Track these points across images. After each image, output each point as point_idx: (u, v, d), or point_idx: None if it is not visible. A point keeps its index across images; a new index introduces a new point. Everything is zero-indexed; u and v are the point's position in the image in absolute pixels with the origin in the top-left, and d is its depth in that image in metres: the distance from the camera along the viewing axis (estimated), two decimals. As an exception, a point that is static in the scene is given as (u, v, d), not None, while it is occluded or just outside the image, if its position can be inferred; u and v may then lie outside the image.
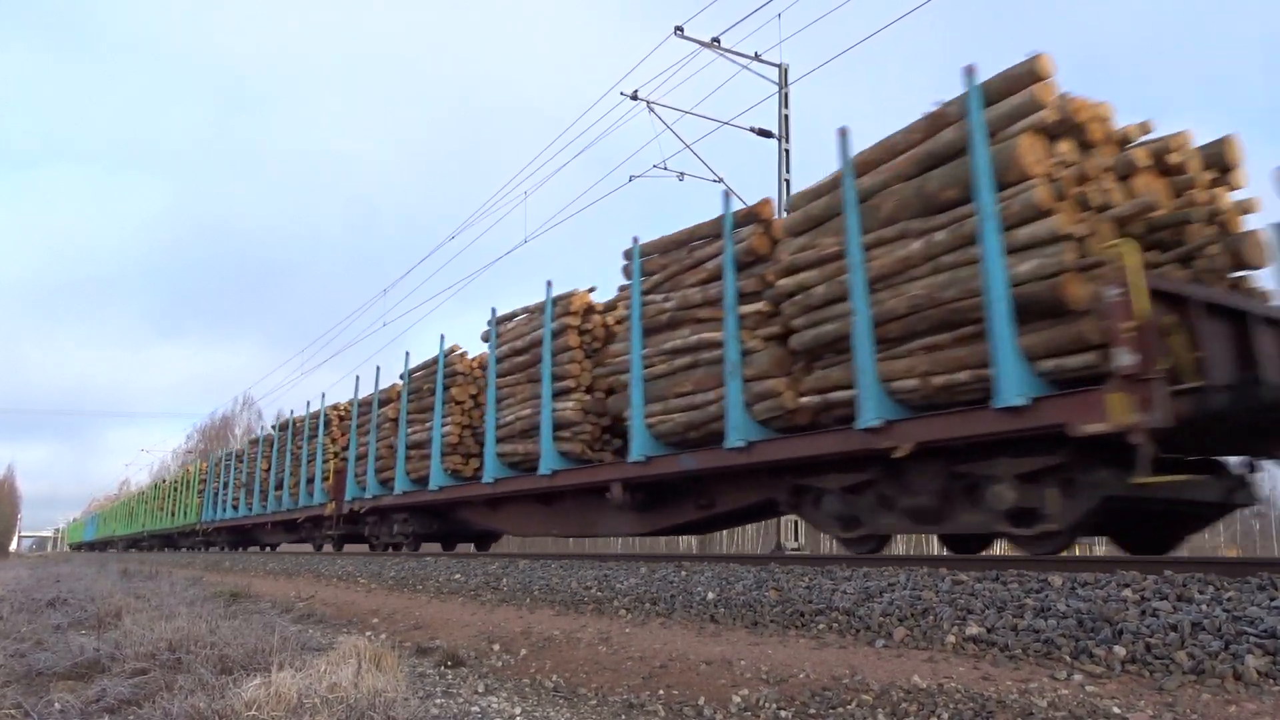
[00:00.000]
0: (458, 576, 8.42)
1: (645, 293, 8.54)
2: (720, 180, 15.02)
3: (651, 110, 14.86)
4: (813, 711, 3.23)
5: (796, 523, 13.48)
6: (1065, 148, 5.56)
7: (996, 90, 5.77)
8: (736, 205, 8.03)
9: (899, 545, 38.97)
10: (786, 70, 15.05)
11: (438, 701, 3.69)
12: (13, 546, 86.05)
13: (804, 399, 6.84)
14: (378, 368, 15.08)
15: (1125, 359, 4.84)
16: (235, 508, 23.75)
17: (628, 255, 8.88)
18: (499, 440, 10.68)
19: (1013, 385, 5.26)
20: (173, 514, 31.91)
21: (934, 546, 40.05)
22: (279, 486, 19.79)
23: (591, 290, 10.04)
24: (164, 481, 36.40)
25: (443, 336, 12.61)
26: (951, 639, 3.65)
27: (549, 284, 10.14)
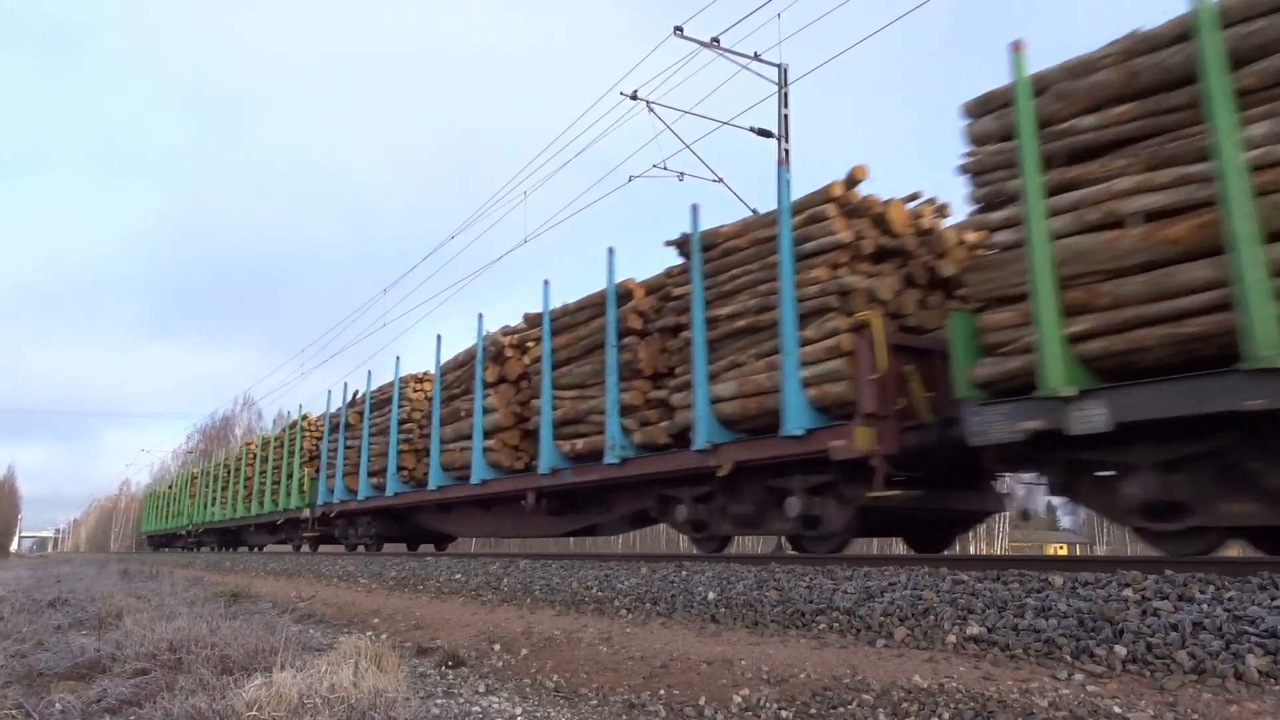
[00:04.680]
0: (458, 576, 8.42)
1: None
2: (720, 180, 15.03)
3: (651, 110, 14.85)
4: (813, 711, 3.23)
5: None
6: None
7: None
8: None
9: (899, 544, 38.91)
10: (786, 70, 15.04)
11: (438, 702, 3.69)
12: (13, 547, 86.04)
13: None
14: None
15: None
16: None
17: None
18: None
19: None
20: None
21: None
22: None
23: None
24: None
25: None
26: (952, 639, 3.65)
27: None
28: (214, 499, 28.49)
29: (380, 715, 3.11)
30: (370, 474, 14.95)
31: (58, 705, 3.61)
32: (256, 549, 26.90)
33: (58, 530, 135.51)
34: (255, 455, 23.79)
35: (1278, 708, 2.60)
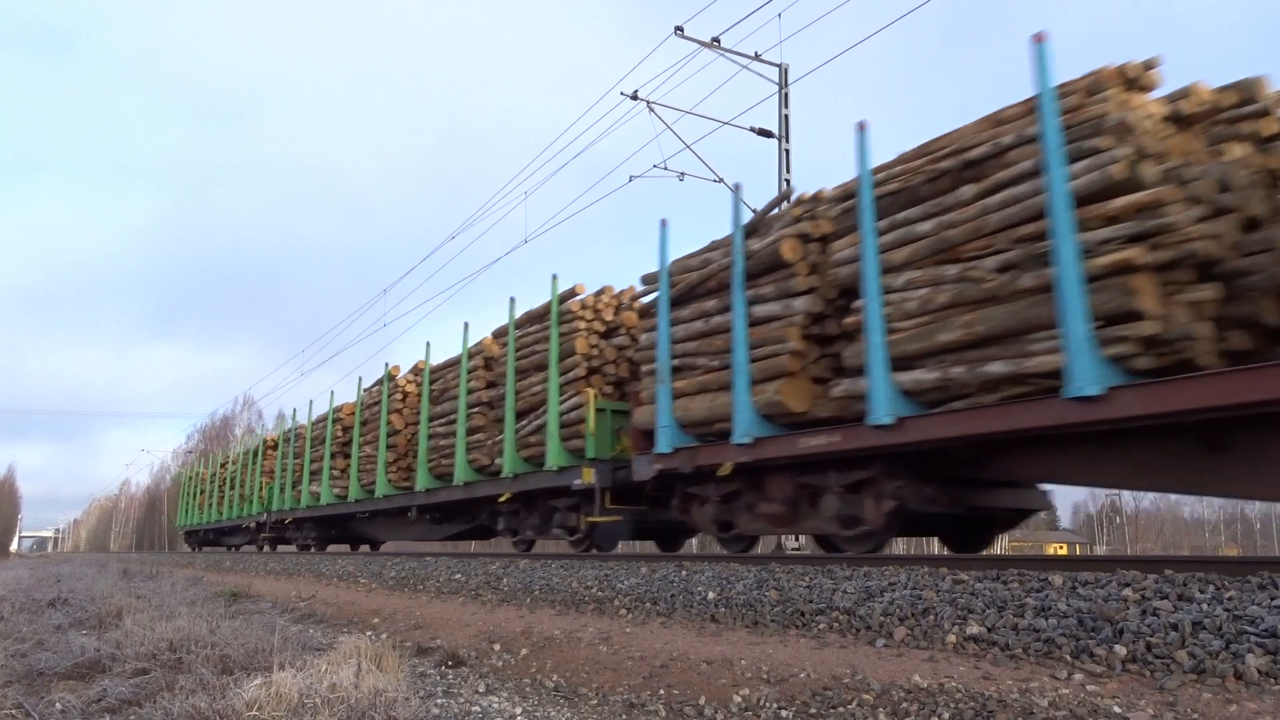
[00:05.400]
0: (458, 576, 8.42)
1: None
2: (720, 180, 15.02)
3: (652, 110, 14.85)
4: (813, 711, 3.23)
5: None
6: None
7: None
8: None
9: (899, 545, 38.89)
10: (786, 70, 15.05)
11: (438, 701, 3.69)
12: (13, 547, 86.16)
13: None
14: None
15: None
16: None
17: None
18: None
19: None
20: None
21: (935, 545, 39.95)
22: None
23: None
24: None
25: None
26: (952, 638, 3.65)
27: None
28: (315, 471, 18.30)
29: (380, 715, 3.11)
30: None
31: (58, 705, 3.61)
32: (363, 547, 19.62)
33: (58, 530, 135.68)
34: (423, 385, 14.07)
35: (1278, 707, 2.60)
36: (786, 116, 14.87)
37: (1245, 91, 5.36)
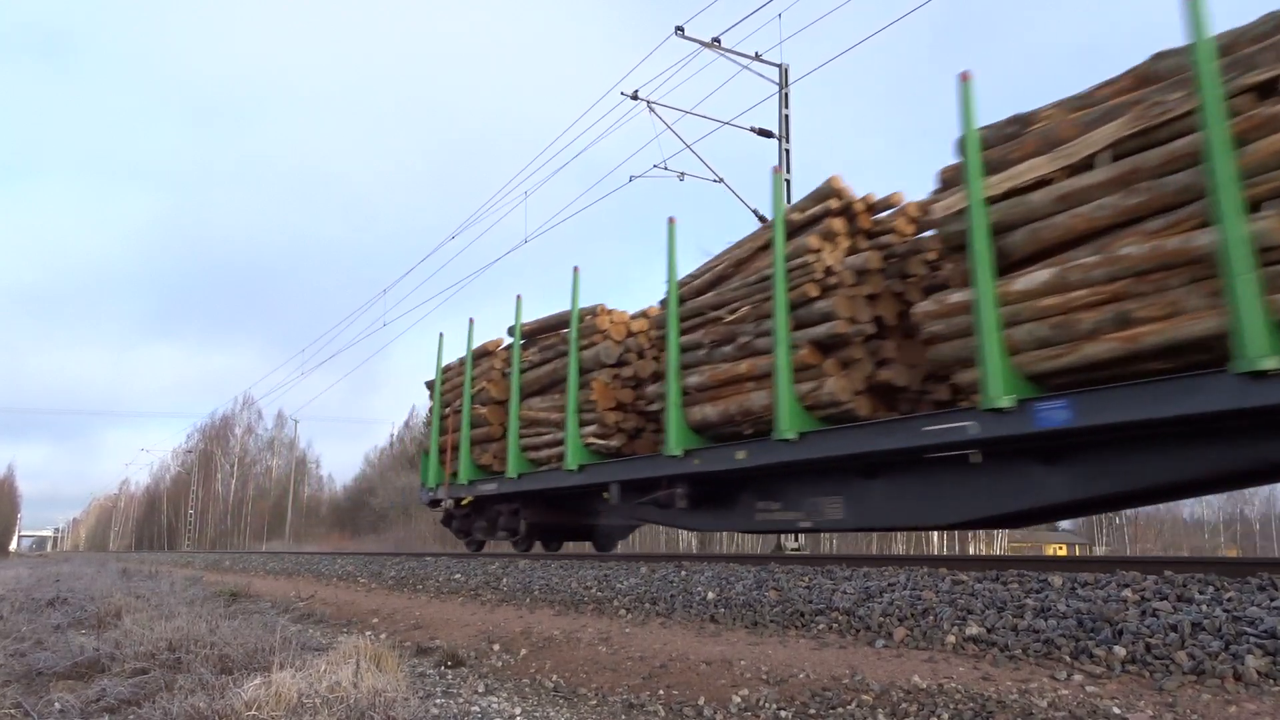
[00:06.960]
0: (458, 576, 8.42)
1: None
2: (721, 180, 15.02)
3: (652, 110, 14.84)
4: (813, 711, 3.23)
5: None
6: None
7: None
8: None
9: (899, 545, 38.88)
10: (787, 70, 15.05)
11: (438, 701, 3.69)
12: (13, 546, 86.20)
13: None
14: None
15: None
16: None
17: None
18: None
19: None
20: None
21: (935, 546, 39.91)
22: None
23: None
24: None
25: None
26: (951, 639, 3.65)
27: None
28: None
29: (379, 715, 3.11)
30: None
31: (57, 704, 3.62)
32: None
33: (57, 529, 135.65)
34: None
35: (1277, 708, 2.60)
36: (787, 117, 14.86)
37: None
